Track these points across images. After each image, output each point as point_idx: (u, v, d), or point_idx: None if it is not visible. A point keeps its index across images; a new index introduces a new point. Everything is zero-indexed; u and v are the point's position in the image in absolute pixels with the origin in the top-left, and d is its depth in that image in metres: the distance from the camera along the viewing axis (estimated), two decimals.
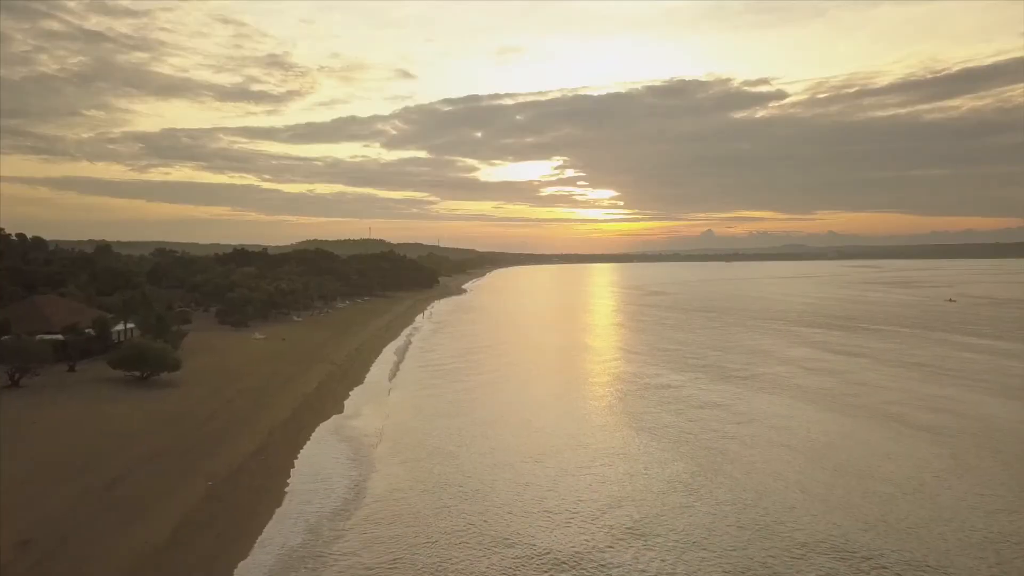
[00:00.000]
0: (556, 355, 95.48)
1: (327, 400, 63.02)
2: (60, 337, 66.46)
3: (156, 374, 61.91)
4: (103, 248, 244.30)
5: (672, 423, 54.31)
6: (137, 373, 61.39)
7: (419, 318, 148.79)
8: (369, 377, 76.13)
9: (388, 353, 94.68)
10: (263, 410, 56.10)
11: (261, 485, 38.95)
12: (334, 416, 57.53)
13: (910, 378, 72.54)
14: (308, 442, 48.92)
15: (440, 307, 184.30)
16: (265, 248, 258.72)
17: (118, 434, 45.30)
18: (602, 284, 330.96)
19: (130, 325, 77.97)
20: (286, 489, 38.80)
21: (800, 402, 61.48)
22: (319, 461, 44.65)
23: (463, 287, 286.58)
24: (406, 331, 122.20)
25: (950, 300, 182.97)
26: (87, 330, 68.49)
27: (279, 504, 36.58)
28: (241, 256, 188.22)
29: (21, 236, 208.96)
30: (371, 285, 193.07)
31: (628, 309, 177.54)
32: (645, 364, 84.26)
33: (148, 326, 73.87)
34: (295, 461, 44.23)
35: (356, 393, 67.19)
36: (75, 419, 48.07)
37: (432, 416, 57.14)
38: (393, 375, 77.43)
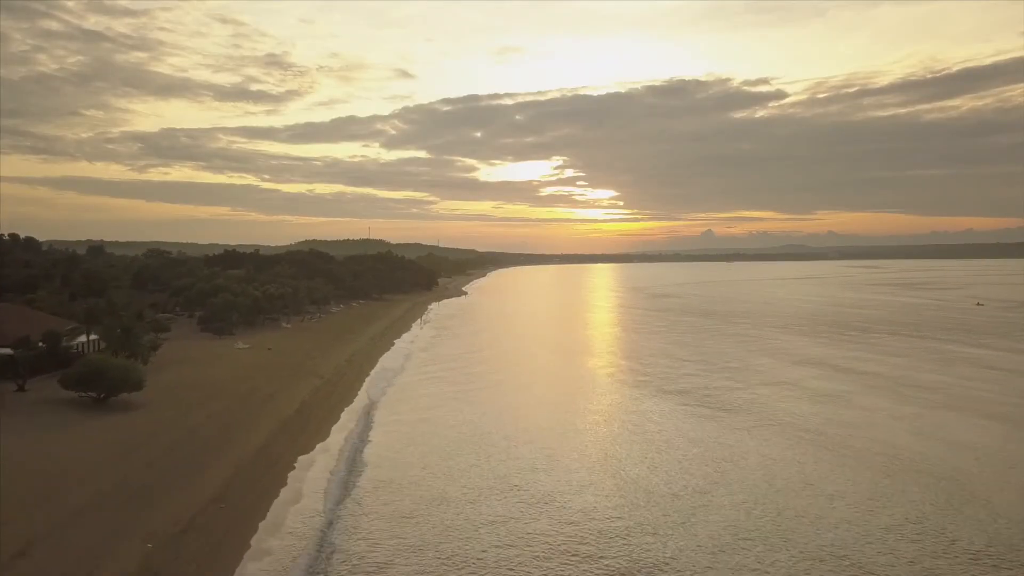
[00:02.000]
0: (565, 374, 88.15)
1: (311, 424, 55.50)
2: (9, 351, 58.90)
3: (115, 394, 54.28)
4: (95, 248, 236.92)
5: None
6: (93, 394, 53.77)
7: (416, 324, 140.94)
8: (359, 395, 68.52)
9: (381, 366, 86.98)
10: (233, 439, 48.49)
11: (214, 547, 31.34)
12: (318, 445, 50.08)
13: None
14: (283, 484, 41.26)
15: (439, 311, 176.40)
16: (257, 248, 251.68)
17: (52, 475, 37.65)
18: (604, 286, 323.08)
19: (94, 337, 70.31)
20: (246, 553, 31.24)
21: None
22: (293, 507, 37.22)
23: (463, 289, 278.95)
24: (402, 339, 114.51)
25: (978, 304, 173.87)
26: (40, 343, 60.85)
27: (231, 573, 29.14)
28: (231, 257, 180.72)
29: (14, 236, 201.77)
30: (367, 288, 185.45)
31: (636, 317, 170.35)
32: (678, 403, 76.08)
33: (113, 338, 66.30)
34: (267, 512, 36.52)
35: (344, 415, 59.60)
36: (6, 454, 40.46)
37: (429, 450, 49.36)
38: (385, 392, 69.80)
